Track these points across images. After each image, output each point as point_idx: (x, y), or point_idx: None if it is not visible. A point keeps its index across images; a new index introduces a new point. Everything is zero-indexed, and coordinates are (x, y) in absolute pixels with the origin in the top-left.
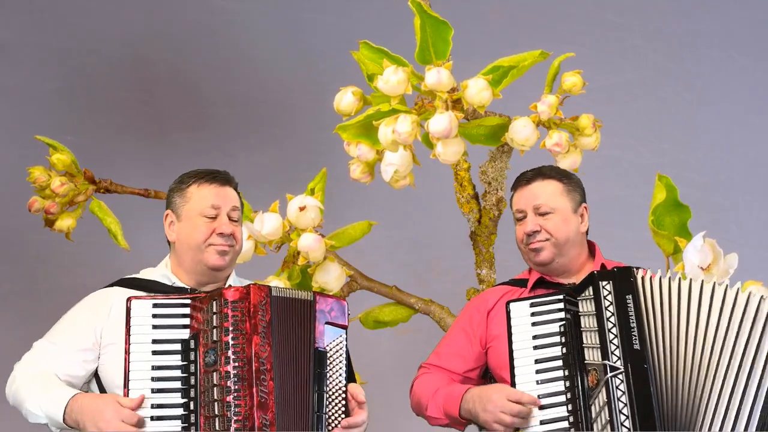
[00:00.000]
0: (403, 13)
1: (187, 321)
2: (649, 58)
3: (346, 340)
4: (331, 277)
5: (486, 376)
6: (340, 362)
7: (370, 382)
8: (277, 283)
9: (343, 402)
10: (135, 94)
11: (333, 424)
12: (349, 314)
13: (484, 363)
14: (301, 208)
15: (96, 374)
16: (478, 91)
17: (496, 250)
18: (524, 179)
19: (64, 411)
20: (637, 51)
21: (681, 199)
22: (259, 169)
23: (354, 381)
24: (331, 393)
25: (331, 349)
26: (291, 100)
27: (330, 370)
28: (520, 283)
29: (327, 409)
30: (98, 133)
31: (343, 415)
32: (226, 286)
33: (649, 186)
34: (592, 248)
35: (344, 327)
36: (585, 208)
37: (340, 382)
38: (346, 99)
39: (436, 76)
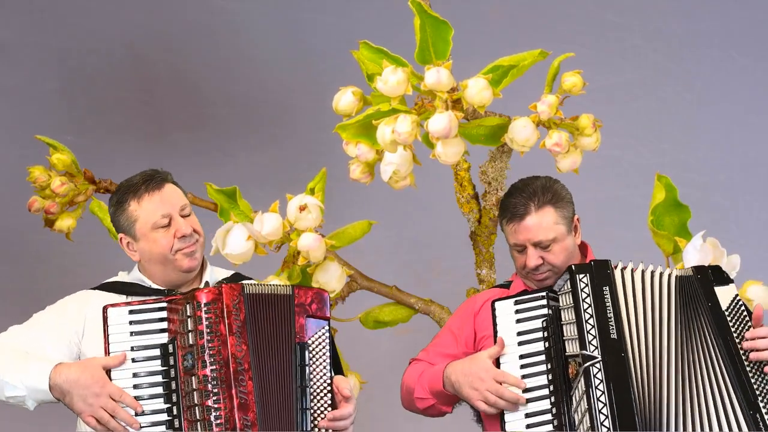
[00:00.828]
0: (403, 13)
1: (164, 325)
2: (649, 58)
3: (329, 332)
4: (332, 277)
5: None
6: (324, 355)
7: (370, 382)
8: (277, 283)
9: (329, 395)
10: (135, 94)
11: (319, 418)
12: (331, 304)
13: None
14: (302, 208)
15: None
16: (478, 90)
17: (496, 250)
18: (517, 214)
19: (49, 380)
20: (637, 51)
21: (681, 199)
22: (259, 169)
23: (341, 373)
24: (315, 387)
25: (313, 342)
26: (291, 100)
27: (313, 363)
28: (508, 285)
29: (312, 403)
30: (98, 133)
31: (329, 408)
32: (203, 282)
33: (649, 186)
34: (584, 250)
35: (326, 318)
36: (577, 219)
37: (324, 374)
38: (344, 99)
39: (436, 76)
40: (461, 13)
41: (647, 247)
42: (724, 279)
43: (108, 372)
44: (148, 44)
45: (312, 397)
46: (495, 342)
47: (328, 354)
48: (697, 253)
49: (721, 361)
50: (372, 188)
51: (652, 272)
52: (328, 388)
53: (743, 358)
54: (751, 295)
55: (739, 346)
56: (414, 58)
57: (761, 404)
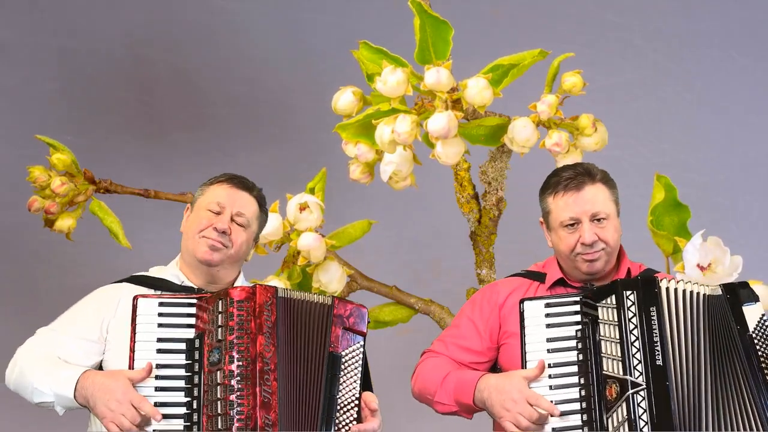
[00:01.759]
0: (403, 13)
1: (192, 321)
2: (649, 58)
3: (364, 348)
4: (333, 277)
5: (493, 370)
6: (356, 369)
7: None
8: (277, 283)
9: (356, 409)
10: (135, 94)
11: (343, 430)
12: (369, 321)
13: (494, 358)
14: (302, 208)
15: (101, 368)
16: (479, 90)
17: (496, 250)
18: (571, 183)
19: (75, 388)
20: (637, 51)
21: (681, 199)
22: (259, 169)
23: (371, 389)
24: (343, 398)
25: (346, 355)
26: (291, 100)
27: (344, 375)
28: (535, 276)
29: (338, 414)
30: (98, 133)
31: (354, 422)
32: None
33: (649, 186)
34: (620, 250)
35: (363, 334)
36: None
37: (354, 388)
38: (343, 98)
39: (436, 76)
40: (461, 13)
41: (647, 247)
42: (752, 297)
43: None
44: (148, 44)
45: (339, 408)
46: (522, 344)
47: (360, 368)
48: (696, 252)
49: (750, 390)
50: (372, 188)
51: (690, 291)
52: (356, 401)
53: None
54: None
55: (763, 364)
56: (414, 58)
57: None
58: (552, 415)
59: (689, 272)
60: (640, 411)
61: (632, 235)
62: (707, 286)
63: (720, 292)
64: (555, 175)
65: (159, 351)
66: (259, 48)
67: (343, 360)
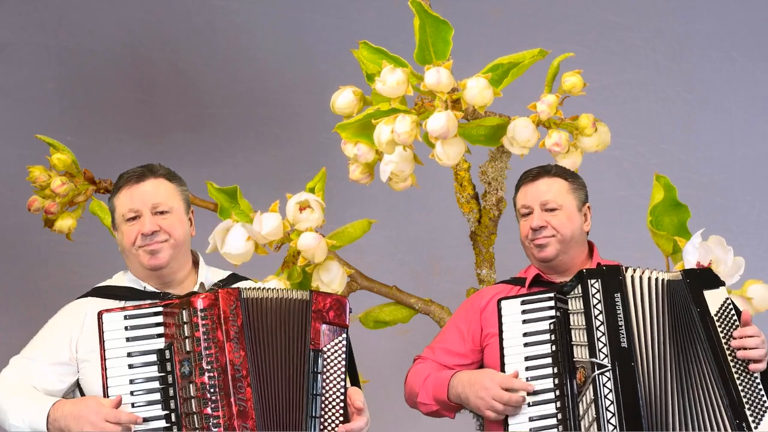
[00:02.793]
0: (403, 13)
1: (160, 330)
2: (649, 58)
3: (348, 341)
4: (335, 277)
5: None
6: (340, 363)
7: (370, 381)
8: (277, 283)
9: (342, 405)
10: (134, 94)
11: (330, 428)
12: (351, 311)
13: (479, 360)
14: (302, 207)
15: (78, 386)
16: (479, 90)
17: (496, 250)
18: (530, 176)
19: (47, 419)
20: (637, 51)
21: (681, 199)
22: (259, 169)
23: (358, 383)
24: (328, 395)
25: (328, 350)
26: (291, 100)
27: (328, 371)
28: (517, 281)
29: (324, 412)
30: (98, 133)
31: (341, 419)
32: (197, 284)
33: (649, 186)
34: (591, 248)
35: (345, 326)
36: (588, 207)
37: (338, 383)
38: (342, 98)
39: (436, 76)
40: (461, 13)
41: (647, 247)
42: (715, 282)
43: (105, 390)
44: (148, 44)
45: (324, 405)
46: (500, 340)
47: (344, 363)
48: (696, 251)
49: (710, 370)
50: (372, 188)
51: (652, 278)
52: (342, 398)
53: (731, 363)
54: (751, 294)
55: (727, 351)
56: (413, 58)
57: (747, 411)
58: (528, 393)
59: None
60: (606, 391)
61: (632, 235)
62: (669, 272)
63: (680, 278)
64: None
65: (131, 366)
66: (259, 48)
67: (326, 356)
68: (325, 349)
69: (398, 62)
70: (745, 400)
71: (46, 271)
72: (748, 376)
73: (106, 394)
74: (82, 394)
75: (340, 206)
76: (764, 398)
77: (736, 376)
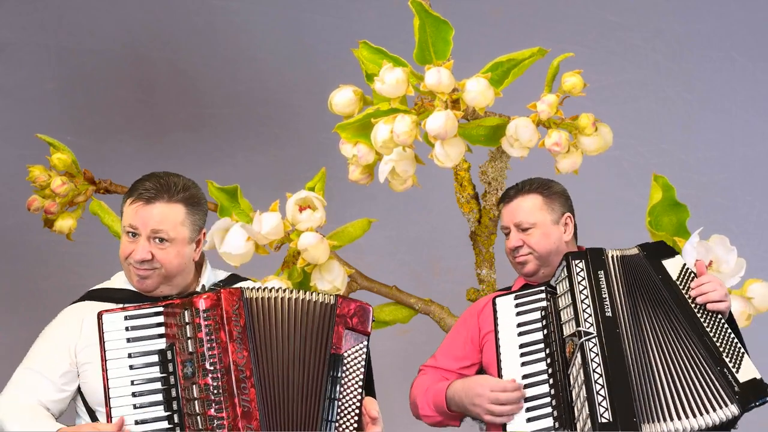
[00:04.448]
0: (404, 13)
1: (161, 330)
2: (649, 58)
3: (368, 349)
4: (337, 276)
5: (481, 371)
6: (358, 370)
7: None
8: (278, 282)
9: (357, 413)
10: (134, 94)
11: None
12: (373, 320)
13: (479, 362)
14: (302, 208)
15: (80, 391)
16: (481, 91)
17: (496, 250)
18: (507, 196)
19: None
20: (637, 51)
21: (681, 199)
22: (259, 169)
23: (373, 393)
24: (344, 401)
25: (349, 356)
26: (291, 100)
27: (346, 376)
28: (508, 289)
29: (339, 417)
30: (98, 133)
31: (355, 425)
32: (200, 286)
33: (649, 186)
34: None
35: (367, 334)
36: (569, 217)
37: (356, 390)
38: (339, 96)
39: (437, 76)
40: (461, 13)
41: None
42: (669, 252)
43: (107, 392)
44: (148, 44)
45: (339, 411)
46: (495, 333)
47: (362, 370)
48: (694, 251)
49: (684, 328)
50: (372, 188)
51: (616, 255)
52: (357, 405)
53: (700, 318)
54: (751, 293)
55: (695, 309)
56: (413, 58)
57: (726, 358)
58: (518, 389)
59: None
60: (592, 355)
61: (632, 235)
62: (626, 249)
63: (637, 251)
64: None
65: (132, 367)
66: (259, 48)
67: (345, 361)
68: (345, 354)
69: (398, 62)
70: (721, 349)
71: (46, 271)
72: (720, 327)
73: (107, 396)
74: (83, 399)
75: (340, 206)
76: (738, 345)
77: (708, 329)
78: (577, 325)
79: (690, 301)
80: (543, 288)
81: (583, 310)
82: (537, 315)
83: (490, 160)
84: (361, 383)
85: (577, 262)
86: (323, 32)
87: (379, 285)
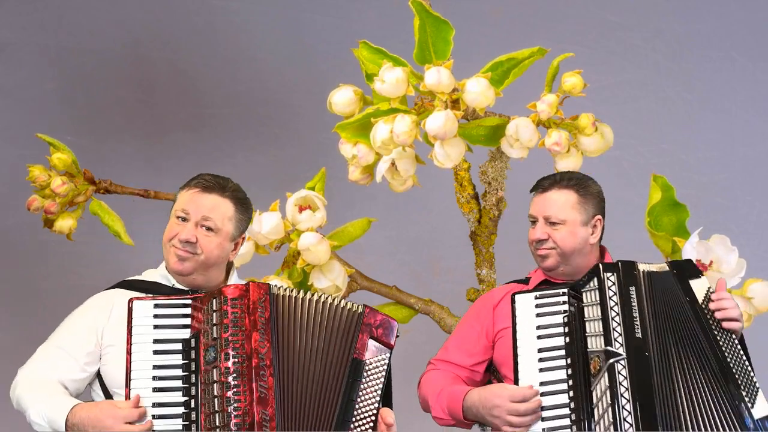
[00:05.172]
0: (404, 13)
1: (188, 321)
2: (649, 58)
3: (389, 362)
4: (338, 276)
5: (490, 369)
6: (379, 379)
7: None
8: (279, 281)
9: (373, 419)
10: (134, 94)
11: None
12: (397, 336)
13: (490, 357)
14: (302, 208)
15: (99, 374)
16: (482, 91)
17: (496, 250)
18: (542, 186)
19: (66, 424)
20: (637, 51)
21: (681, 199)
22: (259, 169)
23: (390, 405)
24: (362, 405)
25: (370, 363)
26: (291, 100)
27: (366, 382)
28: (525, 281)
29: (354, 419)
30: (98, 133)
31: (370, 430)
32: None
33: (648, 186)
34: (602, 254)
35: (390, 346)
36: (599, 219)
37: (374, 398)
38: (339, 95)
39: (436, 76)
40: (461, 13)
41: (647, 247)
42: (697, 272)
43: (128, 374)
44: (148, 44)
45: (356, 413)
46: (513, 333)
47: (382, 380)
48: (694, 251)
49: (707, 358)
50: (372, 188)
51: (647, 271)
52: (375, 411)
53: (723, 348)
54: (751, 293)
55: (717, 337)
56: (413, 58)
57: (743, 392)
58: (536, 397)
59: None
60: (621, 378)
61: (632, 234)
62: (654, 264)
63: (667, 269)
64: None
65: (155, 352)
66: (259, 48)
67: (367, 368)
68: (367, 361)
69: (398, 62)
70: (740, 382)
71: (46, 271)
72: (738, 356)
73: (128, 378)
74: (101, 382)
75: (340, 206)
76: (754, 379)
77: (729, 358)
78: (607, 343)
79: (712, 322)
80: (565, 290)
81: (614, 329)
82: (558, 319)
83: (490, 160)
84: (379, 392)
85: (608, 275)
86: (323, 32)
87: (379, 285)
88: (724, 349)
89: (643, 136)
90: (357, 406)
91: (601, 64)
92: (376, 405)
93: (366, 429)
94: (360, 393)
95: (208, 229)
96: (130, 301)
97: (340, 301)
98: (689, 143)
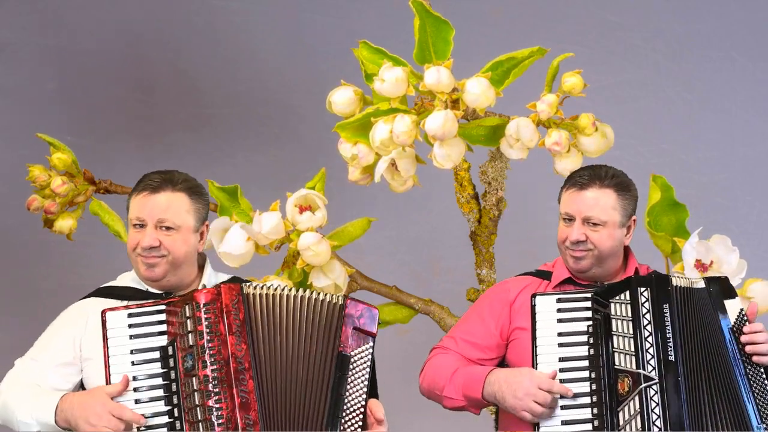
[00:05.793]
0: (404, 13)
1: (163, 327)
2: (649, 58)
3: (373, 351)
4: (339, 275)
5: (501, 366)
6: (365, 370)
7: None
8: (279, 281)
9: (362, 412)
10: (134, 94)
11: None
12: (379, 323)
13: (501, 355)
14: (303, 209)
15: (82, 386)
16: (482, 91)
17: (496, 250)
18: (580, 182)
19: (55, 412)
20: (637, 51)
21: (681, 199)
22: (259, 169)
23: (376, 395)
24: (351, 400)
25: (355, 355)
26: (291, 100)
27: (353, 376)
28: (544, 275)
29: (344, 415)
30: (98, 133)
31: (360, 425)
32: (200, 285)
33: (648, 186)
34: (626, 254)
35: (373, 335)
36: (634, 220)
37: (362, 390)
38: (339, 95)
39: (436, 76)
40: (461, 13)
41: (647, 247)
42: (732, 292)
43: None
44: (148, 44)
45: (345, 409)
46: (533, 338)
47: (368, 371)
48: (693, 251)
49: (737, 389)
50: (372, 188)
51: (684, 288)
52: (362, 404)
53: (751, 376)
54: (752, 293)
55: (745, 364)
56: (413, 58)
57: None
58: (566, 396)
59: (688, 272)
60: (653, 405)
61: (632, 234)
62: (688, 279)
63: (702, 286)
64: (576, 171)
65: (134, 363)
66: (259, 48)
67: (352, 361)
68: (352, 354)
69: (398, 62)
70: (763, 417)
71: (46, 271)
72: (764, 390)
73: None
74: None
75: (340, 206)
76: None
77: (754, 394)
78: (638, 364)
79: (743, 354)
80: (589, 296)
81: (647, 350)
82: (582, 326)
83: (490, 160)
84: (366, 383)
85: (642, 290)
86: (323, 32)
87: (379, 285)
88: (751, 382)
89: (643, 136)
90: (346, 402)
91: (601, 64)
92: (364, 397)
93: (356, 423)
94: (348, 388)
95: (168, 228)
96: (103, 313)
97: (318, 295)
98: (689, 143)
